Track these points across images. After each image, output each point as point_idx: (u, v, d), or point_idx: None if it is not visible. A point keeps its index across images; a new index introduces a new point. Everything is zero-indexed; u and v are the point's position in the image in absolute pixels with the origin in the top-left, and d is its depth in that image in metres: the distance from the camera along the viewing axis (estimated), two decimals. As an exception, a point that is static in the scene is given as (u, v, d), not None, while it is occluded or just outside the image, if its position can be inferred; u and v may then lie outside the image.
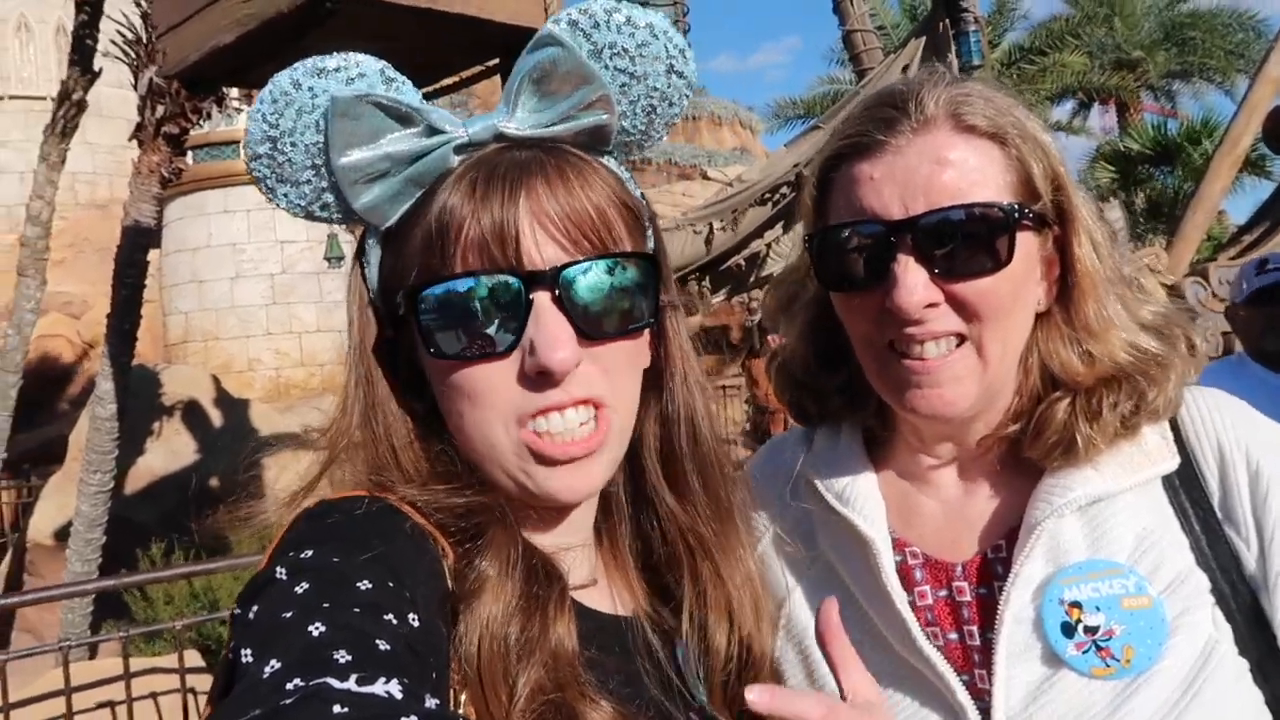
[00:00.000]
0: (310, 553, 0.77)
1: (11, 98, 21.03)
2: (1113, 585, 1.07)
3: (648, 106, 0.98)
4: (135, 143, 6.81)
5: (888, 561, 1.15)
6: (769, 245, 8.18)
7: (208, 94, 5.63)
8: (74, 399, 17.70)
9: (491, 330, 0.89)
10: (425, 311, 0.90)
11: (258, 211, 18.75)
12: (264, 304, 18.60)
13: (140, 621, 6.92)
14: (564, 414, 0.91)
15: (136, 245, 7.01)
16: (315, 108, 0.90)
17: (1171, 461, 1.12)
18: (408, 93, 0.92)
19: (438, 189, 0.91)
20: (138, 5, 6.49)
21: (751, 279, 8.30)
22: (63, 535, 8.67)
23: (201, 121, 6.40)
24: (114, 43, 6.47)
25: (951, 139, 1.08)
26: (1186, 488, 1.12)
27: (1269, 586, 1.06)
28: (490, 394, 0.91)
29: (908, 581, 1.16)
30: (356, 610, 0.71)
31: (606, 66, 0.94)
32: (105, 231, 7.51)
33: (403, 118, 0.91)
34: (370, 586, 0.75)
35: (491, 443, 0.92)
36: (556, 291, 0.89)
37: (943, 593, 1.16)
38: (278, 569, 0.76)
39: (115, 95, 14.39)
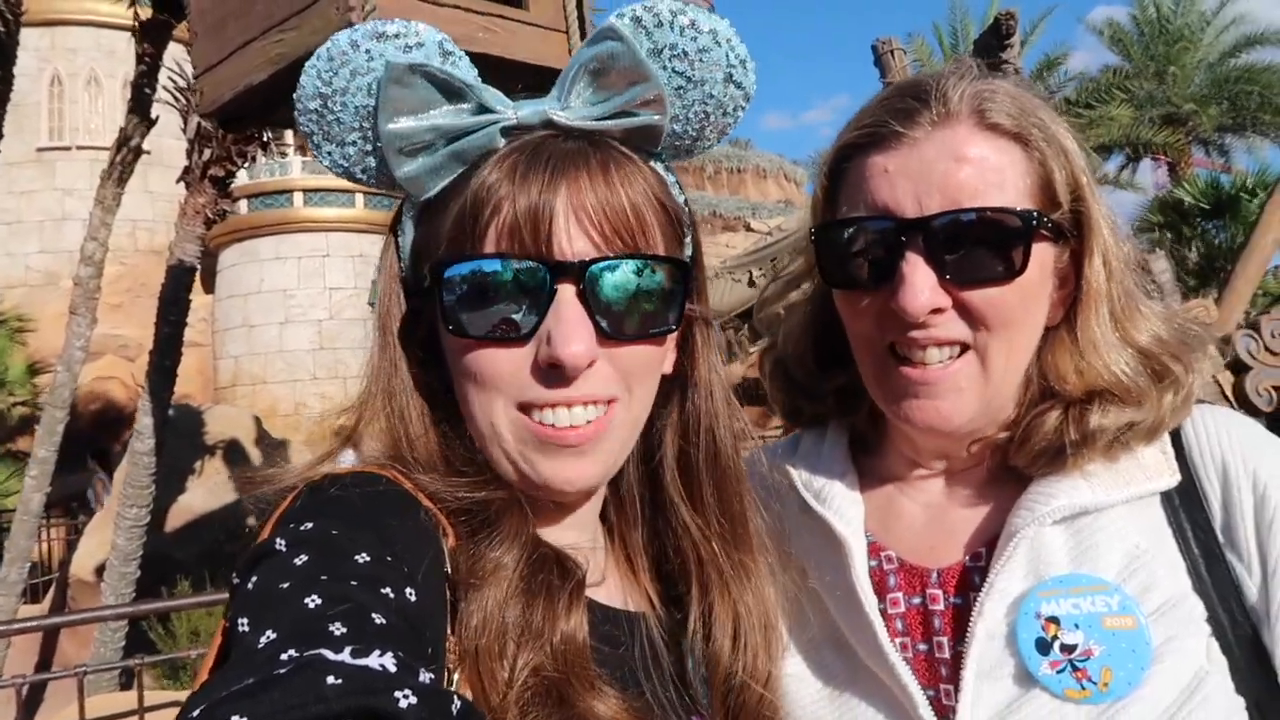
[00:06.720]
0: (310, 525, 0.77)
1: (79, 148, 21.94)
2: (1095, 602, 1.00)
3: (702, 113, 0.96)
4: (184, 185, 7.03)
5: (860, 564, 1.10)
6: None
7: (242, 134, 5.80)
8: (127, 442, 18.08)
9: (511, 315, 0.88)
10: (449, 288, 0.89)
11: (308, 259, 19.19)
12: (311, 349, 18.93)
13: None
14: (571, 410, 0.90)
15: (180, 284, 7.20)
16: (370, 71, 0.90)
17: (1170, 478, 1.05)
18: (463, 69, 0.92)
19: (479, 167, 0.90)
20: (189, 55, 6.75)
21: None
22: (103, 570, 8.79)
23: (246, 165, 6.62)
24: (166, 88, 6.72)
25: (972, 135, 1.03)
26: (1187, 507, 1.05)
27: (1270, 620, 0.98)
28: (499, 378, 0.90)
29: (880, 588, 1.11)
30: (354, 583, 0.71)
31: (664, 67, 0.92)
32: (161, 277, 7.69)
33: (454, 92, 0.90)
34: (368, 560, 0.74)
35: (493, 425, 0.91)
36: (582, 286, 0.88)
37: (916, 600, 1.10)
38: (277, 540, 0.75)
39: (177, 147, 14.93)
